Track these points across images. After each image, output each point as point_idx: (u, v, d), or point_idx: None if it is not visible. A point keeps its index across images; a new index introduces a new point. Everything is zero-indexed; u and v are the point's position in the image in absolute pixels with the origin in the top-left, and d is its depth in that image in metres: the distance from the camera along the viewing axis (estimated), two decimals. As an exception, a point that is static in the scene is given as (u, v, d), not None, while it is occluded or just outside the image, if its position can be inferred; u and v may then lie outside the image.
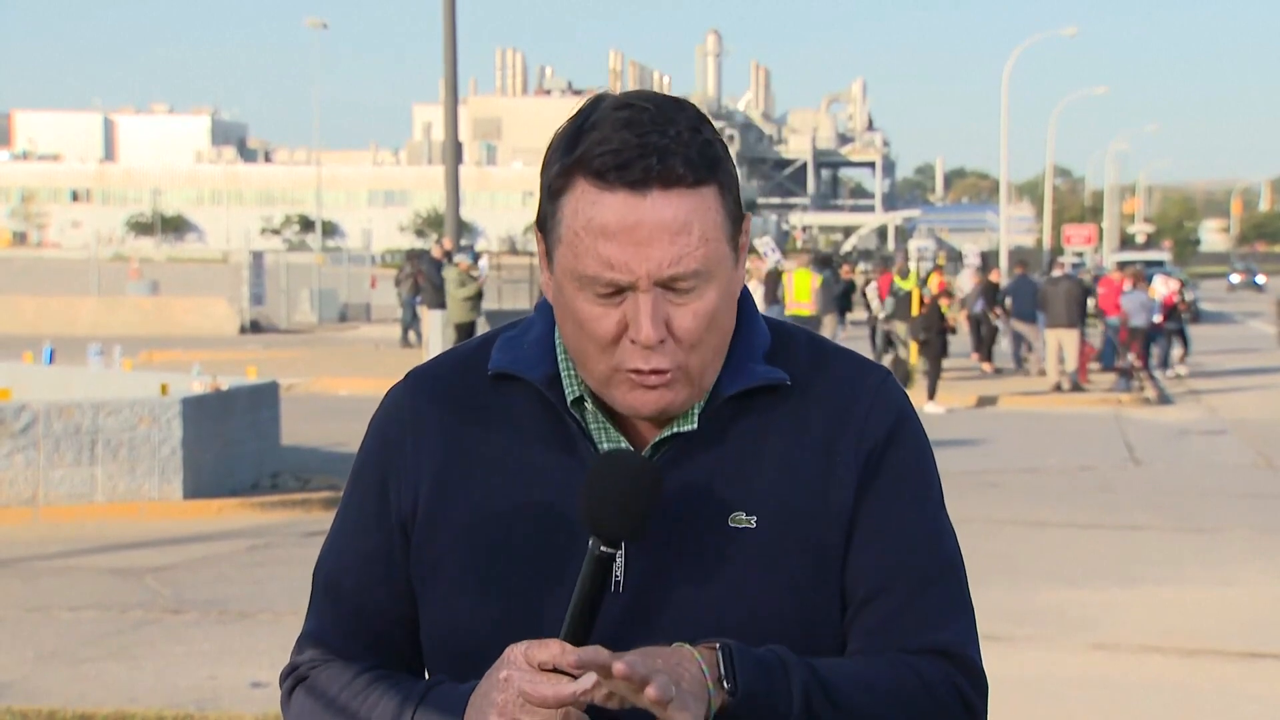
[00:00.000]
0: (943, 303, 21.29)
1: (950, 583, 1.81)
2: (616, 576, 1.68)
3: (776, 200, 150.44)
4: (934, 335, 20.87)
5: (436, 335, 24.10)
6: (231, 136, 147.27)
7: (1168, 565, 10.60)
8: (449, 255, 25.35)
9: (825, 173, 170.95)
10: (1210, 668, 8.01)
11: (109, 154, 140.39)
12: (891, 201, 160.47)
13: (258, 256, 38.33)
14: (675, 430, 1.73)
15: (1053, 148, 70.79)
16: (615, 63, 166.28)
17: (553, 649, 1.57)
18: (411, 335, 29.91)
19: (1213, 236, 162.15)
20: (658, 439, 1.73)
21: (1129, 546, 11.39)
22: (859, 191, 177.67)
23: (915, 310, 23.28)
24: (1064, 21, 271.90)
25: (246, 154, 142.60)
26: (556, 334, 1.77)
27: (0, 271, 60.44)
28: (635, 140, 1.64)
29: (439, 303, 24.23)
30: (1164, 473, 15.72)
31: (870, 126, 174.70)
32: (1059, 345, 23.06)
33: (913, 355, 23.36)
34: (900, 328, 24.67)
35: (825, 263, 27.79)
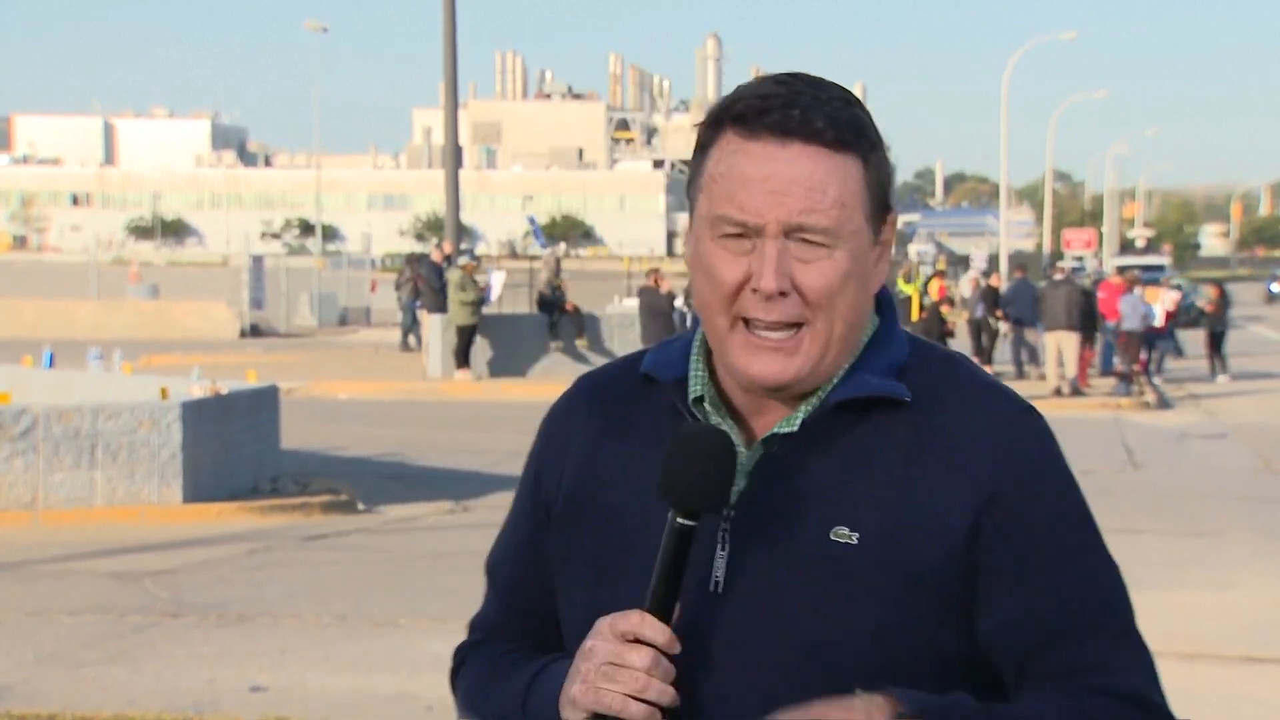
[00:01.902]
0: (943, 309, 21.30)
1: (1123, 623, 1.77)
2: (716, 576, 1.69)
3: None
4: (934, 340, 20.92)
5: (437, 339, 24.11)
6: (231, 140, 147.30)
7: (1167, 569, 10.59)
8: (449, 259, 25.36)
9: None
10: (1209, 672, 8.00)
11: (109, 158, 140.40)
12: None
13: (258, 260, 38.32)
14: (776, 431, 1.72)
15: (1052, 152, 70.82)
16: (615, 67, 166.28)
17: (633, 619, 1.62)
18: (411, 339, 29.92)
19: (1212, 241, 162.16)
20: (763, 437, 1.73)
21: (1129, 550, 11.37)
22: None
23: (915, 315, 23.30)
24: (1063, 25, 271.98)
25: (246, 158, 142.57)
26: (697, 337, 1.79)
27: (0, 275, 60.42)
28: (783, 91, 1.67)
29: (439, 306, 24.24)
30: (1164, 476, 15.72)
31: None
32: (1058, 349, 23.06)
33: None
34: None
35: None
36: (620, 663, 1.61)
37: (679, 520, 1.63)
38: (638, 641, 1.61)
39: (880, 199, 1.71)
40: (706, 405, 1.75)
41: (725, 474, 1.65)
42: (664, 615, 1.63)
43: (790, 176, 1.65)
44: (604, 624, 1.64)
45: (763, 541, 1.68)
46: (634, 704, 1.61)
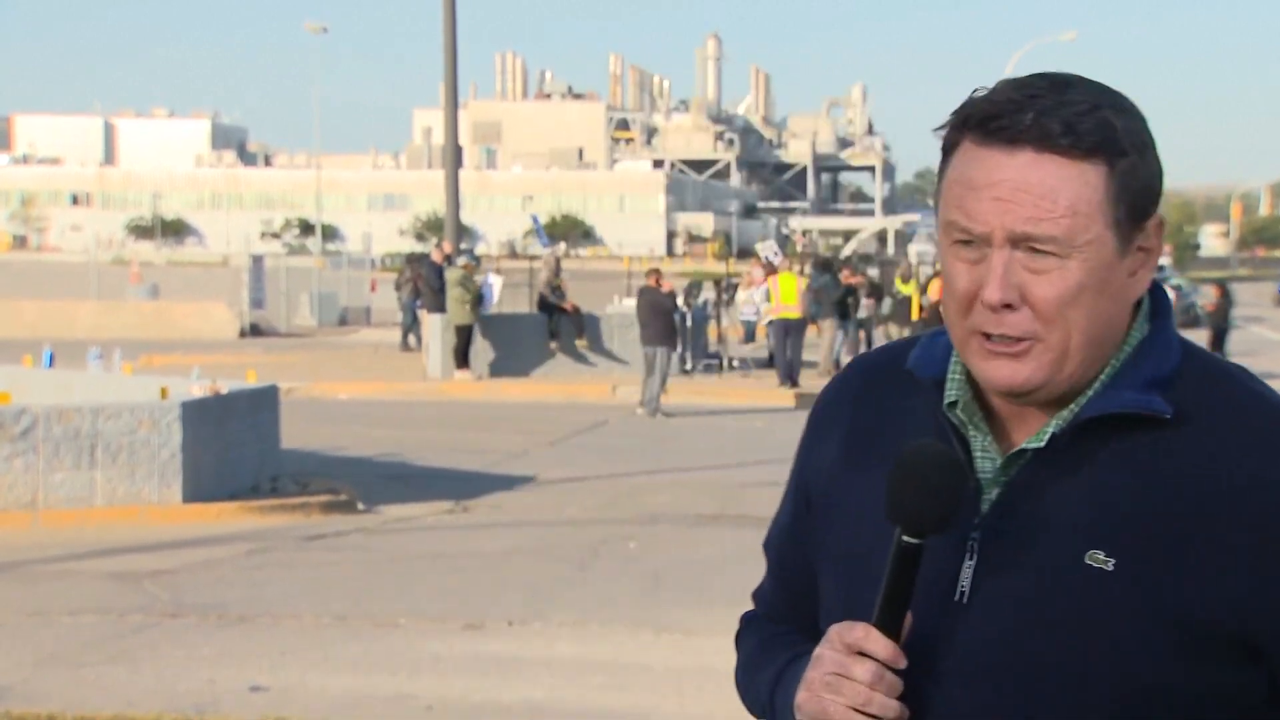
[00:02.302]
0: (943, 308, 21.34)
1: None
2: (962, 585, 1.65)
3: (776, 204, 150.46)
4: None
5: (436, 339, 24.10)
6: (232, 140, 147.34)
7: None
8: (449, 259, 25.35)
9: (825, 177, 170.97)
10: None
11: (109, 158, 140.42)
12: (891, 206, 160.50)
13: (258, 260, 38.32)
14: (1024, 446, 1.67)
15: (1052, 152, 70.76)
16: (615, 67, 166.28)
17: (858, 632, 1.61)
18: (411, 339, 29.91)
19: (1212, 241, 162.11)
20: (1014, 451, 1.67)
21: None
22: (859, 196, 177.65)
23: (915, 314, 23.30)
24: (1063, 26, 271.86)
25: (246, 157, 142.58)
26: None
27: (0, 275, 60.41)
28: (1017, 97, 1.63)
29: (439, 306, 24.24)
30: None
31: (870, 131, 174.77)
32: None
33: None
34: (895, 330, 24.69)
35: (825, 267, 27.78)
36: (845, 674, 1.60)
37: (904, 538, 1.62)
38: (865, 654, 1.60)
39: (1132, 205, 1.63)
40: (960, 412, 1.70)
41: (950, 495, 1.61)
42: (890, 628, 1.61)
43: (1017, 184, 1.61)
44: (833, 632, 1.63)
45: (1013, 556, 1.64)
46: (856, 717, 1.60)
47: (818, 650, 1.64)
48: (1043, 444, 1.65)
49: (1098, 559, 1.61)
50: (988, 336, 1.64)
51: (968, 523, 1.65)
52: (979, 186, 1.62)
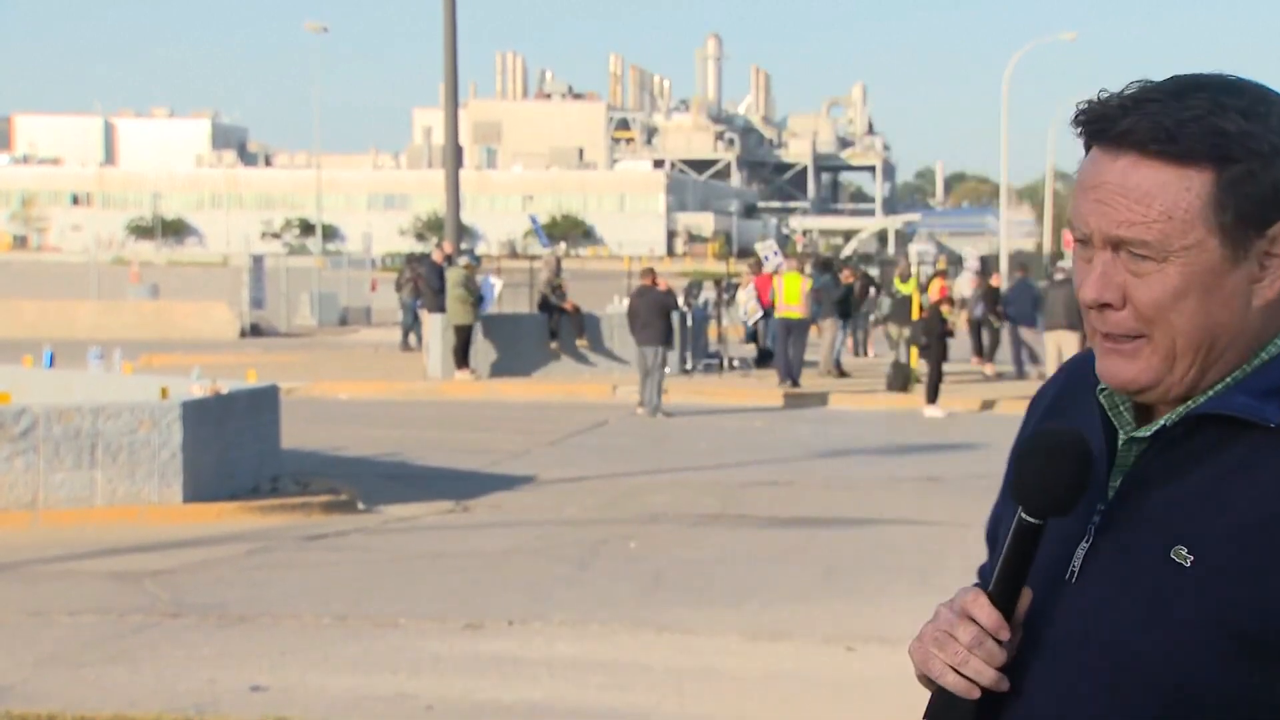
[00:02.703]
0: (944, 308, 21.27)
1: None
2: (1073, 566, 1.71)
3: (777, 204, 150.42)
4: (935, 340, 20.85)
5: (436, 339, 24.11)
6: (232, 140, 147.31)
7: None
8: (449, 259, 25.35)
9: (825, 177, 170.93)
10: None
11: (109, 158, 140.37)
12: (892, 205, 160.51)
13: (258, 260, 38.33)
14: (1135, 434, 1.72)
15: (1053, 152, 70.79)
16: (615, 66, 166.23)
17: (969, 596, 1.68)
18: (412, 339, 29.91)
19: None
20: (1128, 439, 1.72)
21: (1129, 551, 11.38)
22: (859, 195, 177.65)
23: (915, 314, 23.29)
24: (1064, 26, 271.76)
25: (247, 157, 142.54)
26: None
27: (0, 275, 60.41)
28: (1129, 100, 1.66)
29: (439, 306, 24.24)
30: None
31: (870, 130, 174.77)
32: (1058, 348, 23.06)
33: (913, 359, 23.36)
34: (895, 330, 24.68)
35: (825, 267, 27.79)
36: (950, 633, 1.68)
37: (1024, 517, 1.67)
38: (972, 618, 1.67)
39: (1247, 211, 1.63)
40: (1104, 399, 1.75)
41: (1067, 479, 1.66)
42: (1002, 600, 1.68)
43: (1115, 188, 1.64)
44: (957, 593, 1.72)
45: (1116, 541, 1.69)
46: (951, 675, 1.67)
47: (938, 607, 1.72)
48: (1149, 434, 1.70)
49: (1180, 554, 1.64)
50: (1107, 334, 1.69)
51: (1092, 506, 1.70)
52: (1086, 188, 1.68)
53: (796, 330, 23.20)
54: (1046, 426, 1.73)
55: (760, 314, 26.07)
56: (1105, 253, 1.66)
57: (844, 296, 25.89)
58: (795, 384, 22.80)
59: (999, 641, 1.67)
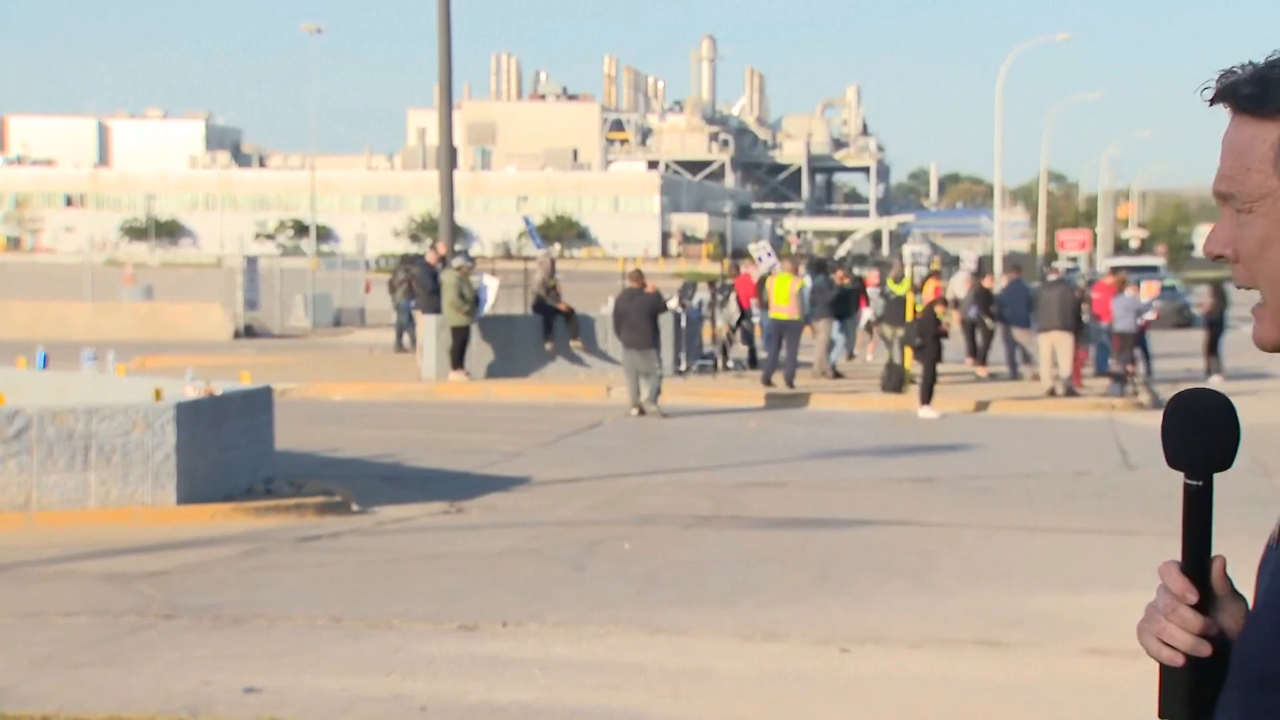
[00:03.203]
0: (938, 309, 21.28)
1: None
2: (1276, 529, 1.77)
3: (771, 205, 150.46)
4: (929, 340, 20.87)
5: (431, 340, 24.10)
6: (226, 141, 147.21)
7: (1162, 570, 10.59)
8: (444, 260, 25.33)
9: (820, 178, 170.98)
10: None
11: (103, 159, 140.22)
12: (886, 206, 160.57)
13: (252, 261, 38.29)
14: None
15: (1047, 153, 70.95)
16: (610, 68, 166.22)
17: (1163, 567, 1.77)
18: (406, 340, 29.89)
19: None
20: None
21: (1123, 552, 11.40)
22: (853, 196, 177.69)
23: (909, 315, 23.30)
24: (1058, 27, 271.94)
25: (241, 159, 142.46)
26: None
27: (-6, 276, 60.31)
28: (1240, 66, 1.74)
29: (433, 307, 24.23)
30: (1158, 478, 15.72)
31: (865, 131, 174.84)
32: (1052, 350, 23.08)
33: (907, 360, 23.37)
34: (889, 330, 24.69)
35: (820, 268, 27.82)
36: (1154, 604, 1.76)
37: (1187, 480, 1.75)
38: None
39: None
40: None
41: (1214, 437, 1.74)
42: (1190, 566, 1.74)
43: (1223, 146, 1.74)
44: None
45: None
46: (1154, 642, 1.74)
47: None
48: None
49: None
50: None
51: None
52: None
53: (789, 331, 23.20)
54: (1184, 389, 1.78)
55: (739, 315, 26.02)
56: (1222, 207, 1.74)
57: (840, 297, 25.89)
58: (791, 386, 22.82)
59: (1195, 607, 1.72)
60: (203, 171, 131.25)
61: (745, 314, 26.05)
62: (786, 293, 23.36)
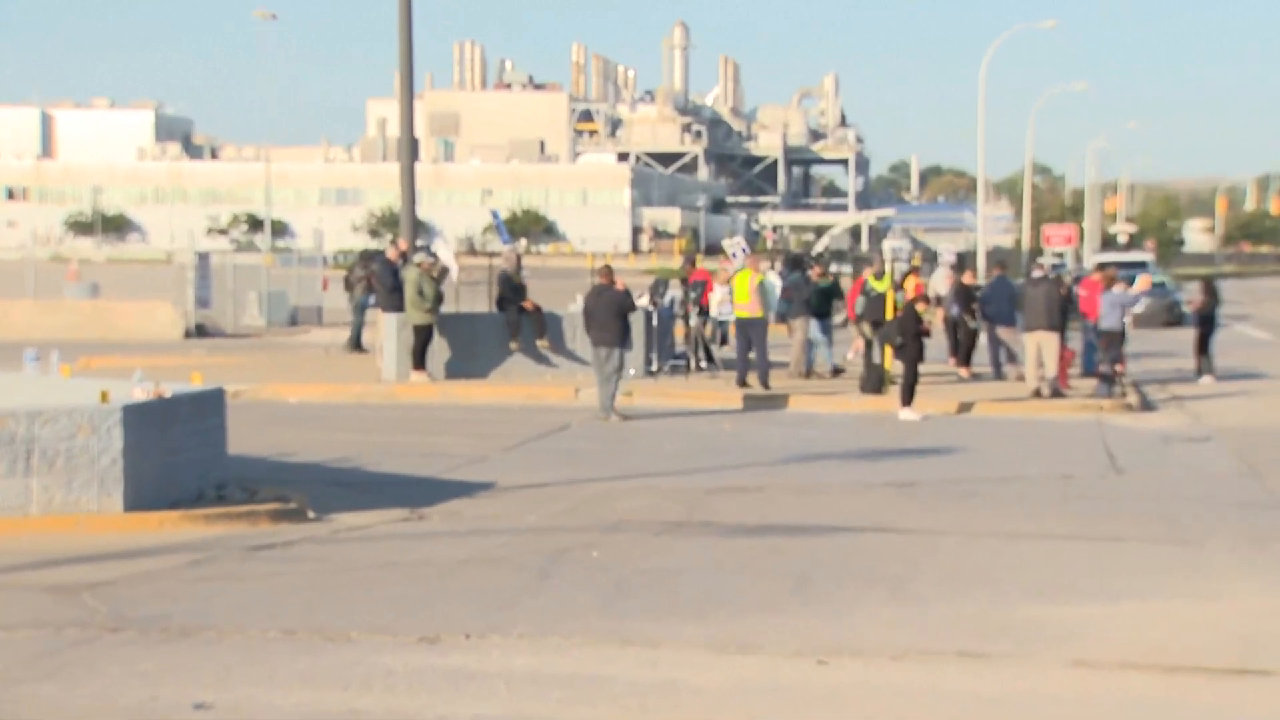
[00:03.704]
0: (919, 306, 21.31)
1: None
2: None
3: (746, 199, 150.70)
4: (910, 339, 20.91)
5: (392, 339, 24.05)
6: (176, 132, 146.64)
7: (1150, 578, 10.64)
8: (405, 256, 25.27)
9: (796, 170, 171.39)
10: (1194, 686, 8.04)
11: (47, 150, 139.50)
12: (865, 200, 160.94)
13: (203, 257, 38.20)
14: None
15: (1032, 144, 71.22)
16: (578, 56, 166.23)
17: None
18: (366, 340, 29.73)
19: (1197, 236, 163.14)
20: None
21: (1110, 559, 11.44)
22: (831, 190, 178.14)
23: (890, 313, 23.34)
24: (1043, 15, 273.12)
25: (192, 150, 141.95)
26: None
27: (-68, 273, 59.98)
28: None
29: (394, 305, 24.17)
30: (1147, 482, 15.80)
31: (843, 122, 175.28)
32: (1038, 349, 23.16)
33: (887, 360, 23.41)
34: (868, 329, 24.72)
35: (796, 264, 27.81)
36: None
37: None
38: None
39: None
40: None
41: None
42: None
43: None
44: None
45: None
46: None
47: None
48: None
49: None
50: None
51: None
52: None
53: (754, 330, 23.21)
54: None
55: (696, 312, 25.92)
56: None
57: (821, 294, 25.83)
58: (766, 386, 22.84)
59: None
60: (152, 163, 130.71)
61: (704, 310, 26.05)
62: (746, 290, 23.40)
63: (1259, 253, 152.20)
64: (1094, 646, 8.63)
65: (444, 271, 24.60)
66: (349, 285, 31.51)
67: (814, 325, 25.70)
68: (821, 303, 25.80)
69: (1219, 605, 9.81)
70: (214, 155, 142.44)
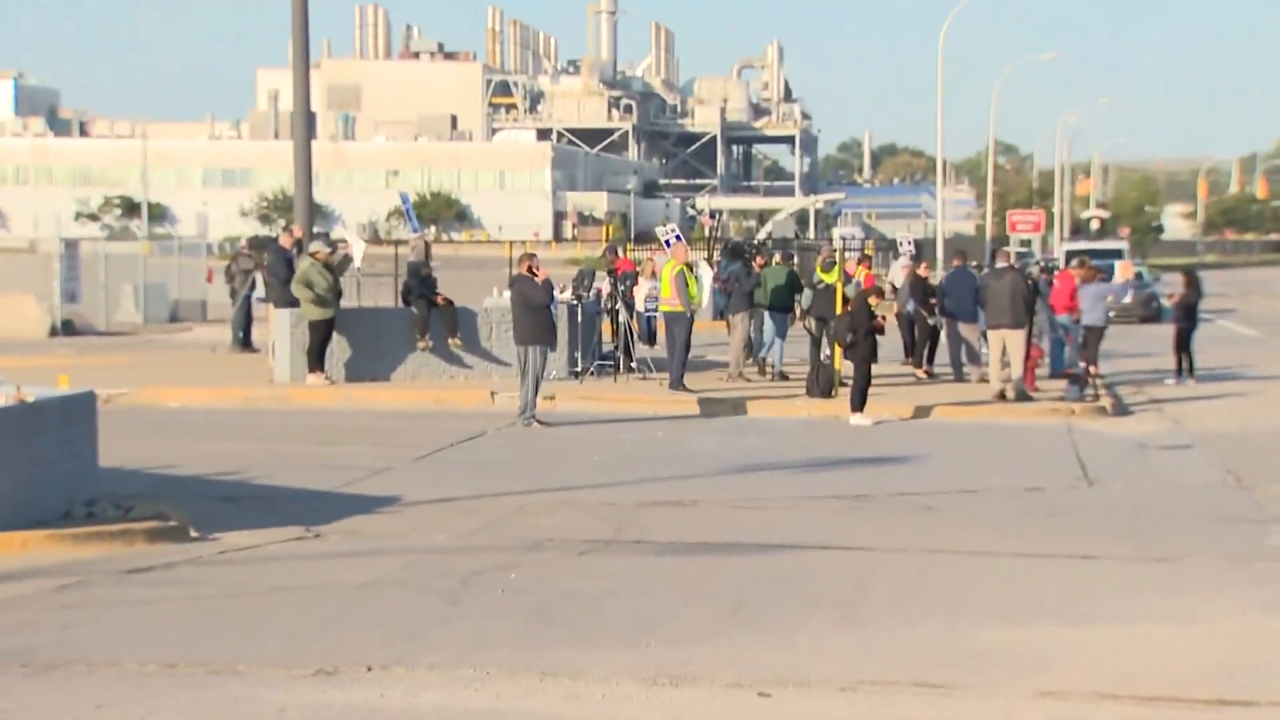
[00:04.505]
0: (872, 300, 21.42)
1: None
2: None
3: (681, 181, 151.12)
4: (862, 337, 21.02)
5: (285, 337, 23.94)
6: (40, 105, 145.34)
7: (1125, 600, 10.75)
8: (300, 244, 25.16)
9: (737, 149, 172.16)
10: (1172, 717, 8.13)
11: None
12: (813, 183, 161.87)
13: (71, 245, 37.89)
14: None
15: (995, 121, 71.81)
16: (494, 22, 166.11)
17: None
18: (259, 337, 29.57)
19: (1177, 222, 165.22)
20: None
21: (1081, 578, 11.55)
22: (775, 171, 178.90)
23: (839, 308, 23.46)
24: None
25: (58, 125, 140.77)
26: None
27: None
28: None
29: (287, 300, 24.07)
30: (1121, 493, 15.97)
31: (788, 97, 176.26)
32: (1003, 347, 23.33)
33: (837, 359, 23.53)
34: (815, 325, 24.83)
35: (737, 254, 27.89)
36: None
37: None
38: None
39: None
40: None
41: None
42: None
43: None
44: None
45: None
46: None
47: None
48: None
49: None
50: None
51: None
52: None
53: (675, 325, 23.43)
54: None
55: (619, 304, 26.02)
56: None
57: (783, 288, 25.85)
58: (675, 387, 23.01)
59: None
60: (12, 140, 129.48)
61: (630, 304, 26.17)
62: (667, 282, 23.59)
63: (1243, 240, 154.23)
64: (1063, 675, 8.71)
65: (345, 260, 24.52)
66: (230, 277, 31.32)
67: (769, 322, 25.67)
68: (783, 296, 25.62)
69: (1199, 629, 9.93)
70: (83, 131, 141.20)
